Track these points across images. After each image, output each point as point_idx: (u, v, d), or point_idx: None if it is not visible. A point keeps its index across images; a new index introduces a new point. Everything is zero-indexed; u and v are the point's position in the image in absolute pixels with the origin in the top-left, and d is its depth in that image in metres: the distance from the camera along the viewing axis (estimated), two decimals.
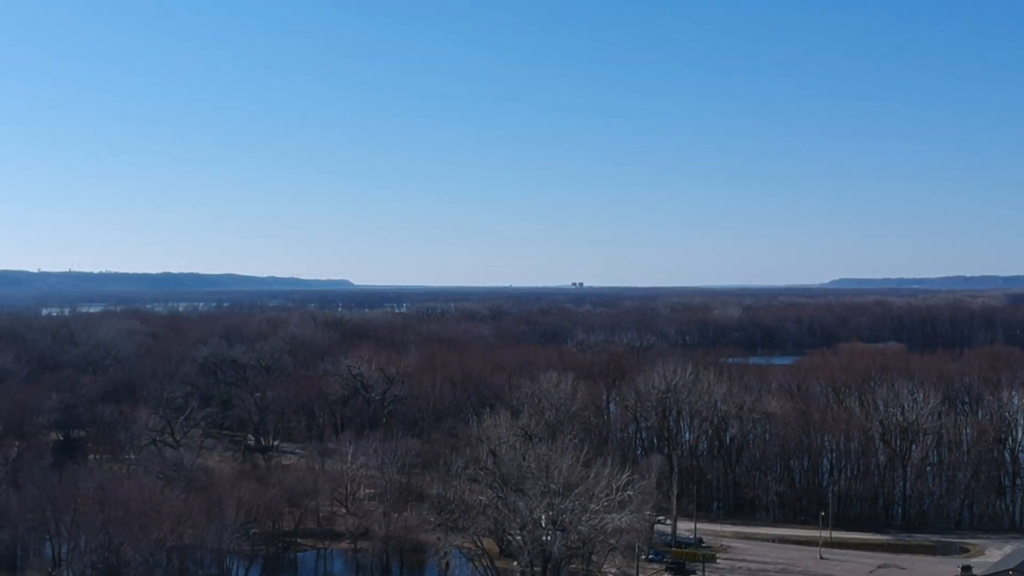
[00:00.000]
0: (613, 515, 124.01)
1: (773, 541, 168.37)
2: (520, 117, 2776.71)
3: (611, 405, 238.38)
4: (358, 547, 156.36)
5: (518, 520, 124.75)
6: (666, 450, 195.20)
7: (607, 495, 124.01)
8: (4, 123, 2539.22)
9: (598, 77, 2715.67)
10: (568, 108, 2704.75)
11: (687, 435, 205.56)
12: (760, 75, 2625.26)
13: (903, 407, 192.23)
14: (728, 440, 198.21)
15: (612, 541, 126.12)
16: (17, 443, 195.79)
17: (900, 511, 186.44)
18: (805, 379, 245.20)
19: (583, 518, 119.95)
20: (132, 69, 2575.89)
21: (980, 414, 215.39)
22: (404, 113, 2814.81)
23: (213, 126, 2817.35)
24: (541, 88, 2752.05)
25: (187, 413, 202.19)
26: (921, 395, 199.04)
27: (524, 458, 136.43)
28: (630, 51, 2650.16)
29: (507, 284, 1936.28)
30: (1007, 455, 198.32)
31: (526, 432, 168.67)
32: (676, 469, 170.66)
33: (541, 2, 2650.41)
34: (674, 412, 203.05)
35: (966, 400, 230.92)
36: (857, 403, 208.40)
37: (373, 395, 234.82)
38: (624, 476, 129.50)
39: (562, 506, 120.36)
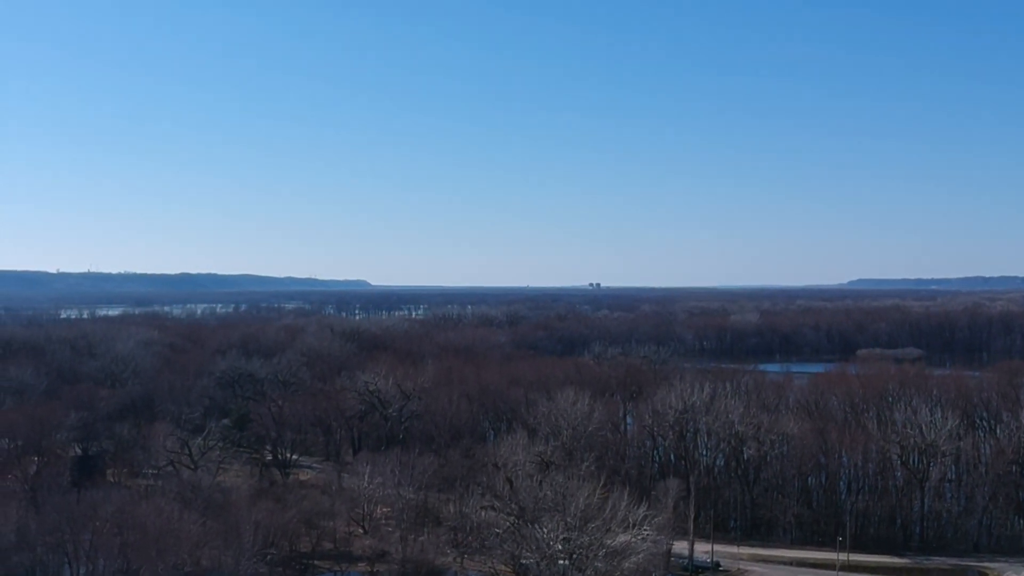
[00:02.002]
0: (631, 544, 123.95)
1: (790, 564, 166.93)
2: (537, 118, 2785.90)
3: (628, 418, 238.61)
4: (375, 570, 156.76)
5: (535, 549, 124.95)
6: (683, 468, 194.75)
7: (624, 529, 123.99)
8: (22, 124, 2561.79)
9: (612, 77, 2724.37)
10: (584, 108, 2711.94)
11: (704, 453, 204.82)
12: (776, 74, 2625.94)
13: (922, 427, 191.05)
14: (746, 459, 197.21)
15: (627, 567, 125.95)
16: (36, 459, 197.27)
17: (918, 531, 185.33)
18: (823, 395, 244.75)
19: (600, 553, 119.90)
20: (148, 70, 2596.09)
21: (999, 431, 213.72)
22: (421, 114, 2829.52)
23: (230, 127, 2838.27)
24: (557, 88, 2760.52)
25: (205, 434, 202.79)
26: (940, 414, 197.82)
27: (541, 487, 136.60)
28: (645, 51, 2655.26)
29: (525, 284, 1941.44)
30: None
31: (543, 459, 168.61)
32: (693, 492, 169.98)
33: (556, 4, 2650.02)
34: (691, 431, 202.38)
35: (984, 416, 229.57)
36: (875, 421, 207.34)
37: (390, 411, 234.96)
38: (641, 510, 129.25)
39: (578, 541, 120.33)
